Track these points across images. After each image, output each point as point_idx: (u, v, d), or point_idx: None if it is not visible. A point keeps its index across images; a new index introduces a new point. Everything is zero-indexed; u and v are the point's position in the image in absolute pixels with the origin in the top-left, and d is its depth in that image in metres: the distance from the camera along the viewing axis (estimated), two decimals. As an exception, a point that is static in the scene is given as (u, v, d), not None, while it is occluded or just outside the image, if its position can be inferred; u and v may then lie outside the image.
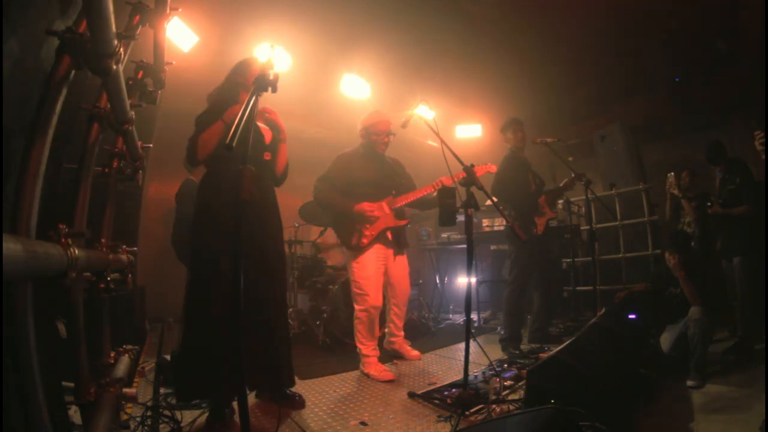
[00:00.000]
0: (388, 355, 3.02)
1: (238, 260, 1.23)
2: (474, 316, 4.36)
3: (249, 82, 1.95)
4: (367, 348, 2.71)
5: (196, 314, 1.83)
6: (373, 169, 2.76)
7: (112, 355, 1.75)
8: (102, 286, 1.42)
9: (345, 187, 2.71)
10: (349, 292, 3.58)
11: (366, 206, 2.65)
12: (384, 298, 2.84)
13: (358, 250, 2.68)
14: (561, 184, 3.52)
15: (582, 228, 4.82)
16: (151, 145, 2.01)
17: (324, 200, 2.75)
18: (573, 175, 3.40)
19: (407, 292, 3.00)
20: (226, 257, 1.74)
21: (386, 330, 3.06)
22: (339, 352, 3.29)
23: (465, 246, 1.99)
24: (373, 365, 2.66)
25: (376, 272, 2.70)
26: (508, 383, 2.28)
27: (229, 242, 1.71)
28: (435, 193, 2.62)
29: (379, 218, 2.68)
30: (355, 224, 2.68)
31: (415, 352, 3.04)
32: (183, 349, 1.86)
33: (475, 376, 2.35)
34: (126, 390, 1.53)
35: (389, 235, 2.77)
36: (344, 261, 2.94)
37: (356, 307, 2.74)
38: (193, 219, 1.94)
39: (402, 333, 3.07)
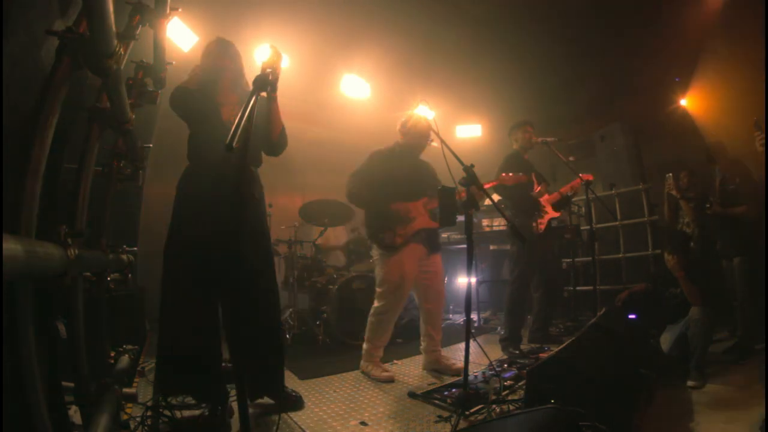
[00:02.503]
0: (432, 372, 2.72)
1: (237, 262, 1.22)
2: (474, 316, 4.36)
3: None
4: (374, 347, 2.67)
5: (171, 308, 1.80)
6: (409, 168, 2.68)
7: (112, 355, 1.75)
8: (102, 286, 1.43)
9: (380, 184, 2.61)
10: (349, 292, 3.61)
11: (403, 206, 2.59)
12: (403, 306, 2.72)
13: (390, 249, 2.59)
14: (570, 193, 3.51)
15: (582, 228, 4.82)
16: (151, 145, 2.01)
17: (357, 197, 2.66)
18: (579, 179, 3.38)
19: (441, 294, 2.77)
20: (196, 256, 1.73)
21: (422, 346, 2.75)
22: (339, 352, 3.28)
23: (465, 246, 1.99)
24: (373, 365, 2.65)
25: (406, 273, 2.60)
26: (508, 383, 2.28)
27: (200, 238, 1.72)
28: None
29: (415, 219, 2.60)
30: (389, 223, 2.59)
31: (457, 365, 2.63)
32: (160, 343, 1.83)
33: (475, 376, 2.35)
34: (126, 390, 1.53)
35: (423, 235, 2.67)
36: (372, 258, 2.80)
37: (377, 303, 2.67)
38: (172, 212, 1.89)
39: (439, 346, 2.77)
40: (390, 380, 2.52)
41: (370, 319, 2.70)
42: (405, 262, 2.59)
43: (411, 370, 2.79)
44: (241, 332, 1.72)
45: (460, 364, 2.60)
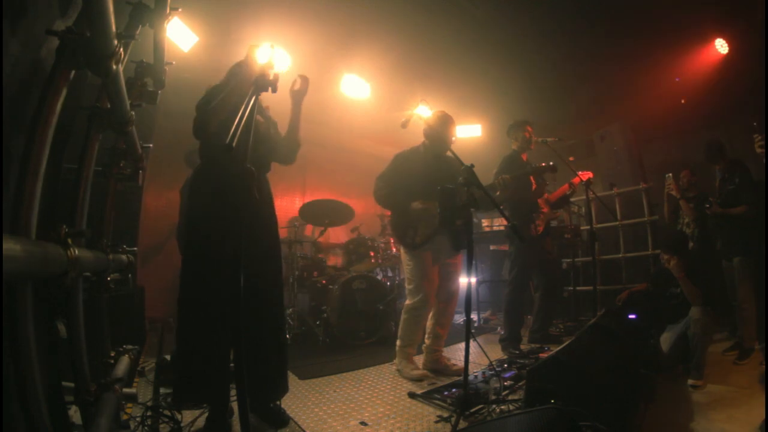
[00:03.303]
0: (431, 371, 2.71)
1: (238, 264, 1.22)
2: (474, 316, 4.36)
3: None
4: (406, 345, 2.68)
5: (188, 315, 1.79)
6: (432, 168, 2.70)
7: (112, 355, 1.75)
8: (102, 286, 1.43)
9: (403, 185, 2.68)
10: (350, 292, 3.61)
11: (423, 205, 2.62)
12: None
13: (414, 247, 2.65)
14: (568, 192, 3.51)
15: (582, 228, 4.82)
16: (151, 145, 2.00)
17: (383, 198, 2.73)
18: (578, 178, 3.39)
19: (455, 293, 2.77)
20: (218, 255, 1.69)
21: (425, 343, 2.77)
22: (339, 352, 3.29)
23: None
24: (406, 362, 2.66)
25: (430, 271, 2.64)
26: (508, 383, 2.28)
27: (222, 241, 1.67)
28: (498, 192, 2.57)
29: (435, 219, 2.58)
30: (412, 223, 2.65)
31: (457, 366, 2.68)
32: (178, 353, 1.82)
33: (475, 376, 2.35)
34: (126, 390, 1.53)
35: (446, 233, 2.63)
36: (400, 256, 2.85)
37: (408, 301, 2.70)
38: (187, 215, 1.88)
39: (442, 347, 2.79)
40: (422, 378, 2.52)
41: (402, 316, 2.73)
42: (426, 260, 2.63)
43: (411, 370, 2.79)
44: (247, 335, 1.69)
45: (460, 364, 2.63)
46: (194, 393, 1.77)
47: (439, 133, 2.69)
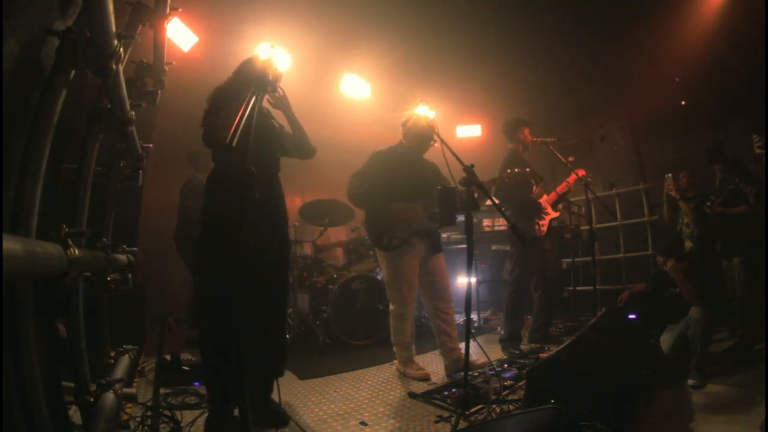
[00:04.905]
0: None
1: (238, 263, 1.22)
2: (474, 316, 4.36)
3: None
4: (400, 348, 2.69)
5: (205, 316, 1.81)
6: (410, 169, 2.66)
7: (112, 355, 1.75)
8: (102, 286, 1.42)
9: (380, 185, 2.62)
10: (349, 292, 3.61)
11: (401, 207, 2.58)
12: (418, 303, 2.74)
13: (389, 250, 2.61)
14: (566, 191, 3.52)
15: (582, 228, 4.82)
16: (151, 145, 2.00)
17: (357, 197, 2.67)
18: (574, 175, 3.40)
19: (448, 291, 2.72)
20: (232, 258, 1.71)
21: (439, 347, 2.70)
22: (339, 352, 3.29)
23: (465, 246, 1.99)
24: (409, 364, 2.65)
25: (406, 273, 2.59)
26: (508, 383, 2.28)
27: (234, 243, 1.71)
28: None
29: (413, 220, 2.59)
30: (388, 224, 2.60)
31: (481, 360, 2.59)
32: (202, 355, 1.85)
33: (475, 376, 2.35)
34: (126, 390, 1.53)
35: (422, 236, 2.65)
36: (378, 260, 2.83)
37: (391, 306, 2.70)
38: (202, 218, 1.88)
39: (458, 343, 2.63)
40: (424, 378, 2.53)
41: (390, 322, 2.72)
42: (404, 262, 2.59)
43: (411, 370, 2.79)
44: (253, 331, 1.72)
45: (484, 359, 2.56)
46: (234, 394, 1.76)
47: (415, 135, 2.67)
